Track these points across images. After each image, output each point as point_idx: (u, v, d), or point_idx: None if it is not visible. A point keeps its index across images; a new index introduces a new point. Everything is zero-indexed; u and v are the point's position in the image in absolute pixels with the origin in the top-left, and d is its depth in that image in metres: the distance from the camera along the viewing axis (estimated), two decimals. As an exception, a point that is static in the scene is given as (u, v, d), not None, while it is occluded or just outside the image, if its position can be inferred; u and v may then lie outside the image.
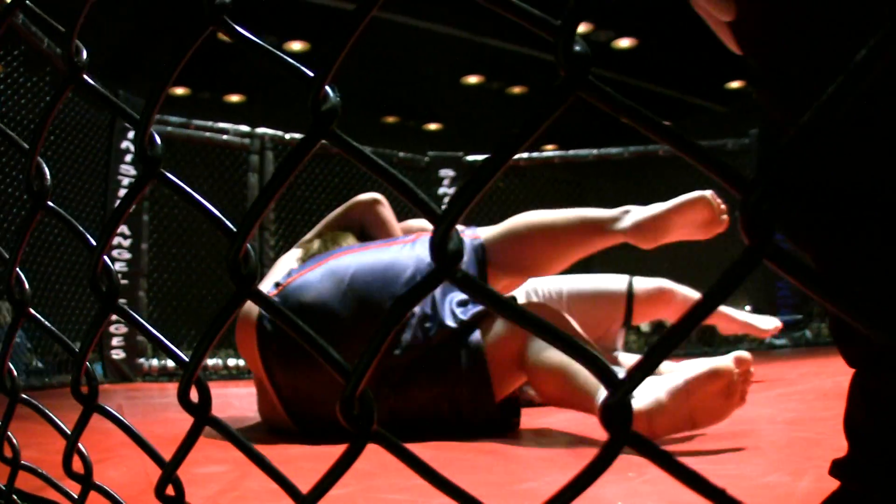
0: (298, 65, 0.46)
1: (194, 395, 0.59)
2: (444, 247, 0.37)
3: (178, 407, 0.60)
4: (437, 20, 8.98)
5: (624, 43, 9.99)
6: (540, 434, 1.90)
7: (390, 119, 12.24)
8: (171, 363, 6.09)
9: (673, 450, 1.49)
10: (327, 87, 0.44)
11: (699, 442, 1.57)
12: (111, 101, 0.63)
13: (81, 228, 0.72)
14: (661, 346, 0.36)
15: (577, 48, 0.37)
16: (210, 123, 6.47)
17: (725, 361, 1.51)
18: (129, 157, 5.99)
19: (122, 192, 5.91)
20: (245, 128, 6.44)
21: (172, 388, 4.66)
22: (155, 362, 5.77)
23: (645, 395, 1.51)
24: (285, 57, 0.46)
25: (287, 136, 6.43)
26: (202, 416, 0.58)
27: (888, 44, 0.33)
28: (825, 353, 5.03)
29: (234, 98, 10.98)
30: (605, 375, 0.38)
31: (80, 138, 5.29)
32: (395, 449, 0.44)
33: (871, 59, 0.33)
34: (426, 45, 9.68)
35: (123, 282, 5.87)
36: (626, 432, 0.38)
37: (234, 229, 0.49)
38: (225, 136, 6.41)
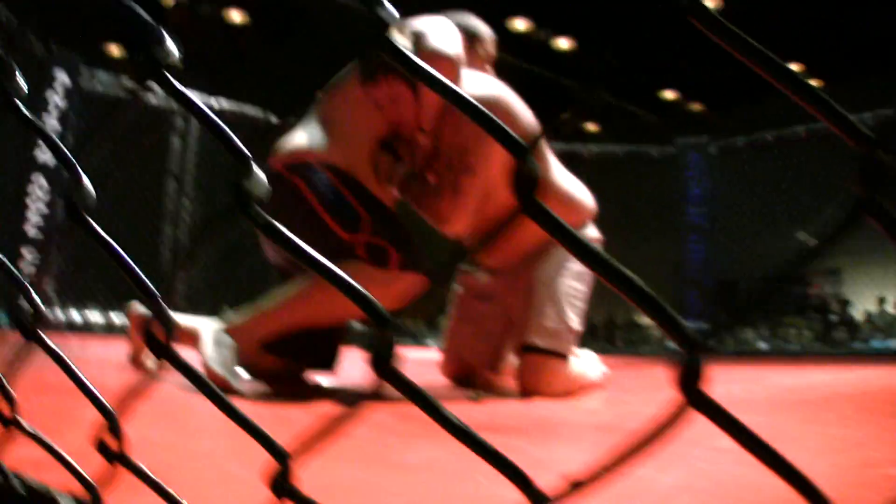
0: (138, 8, 0.48)
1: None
2: (240, 183, 0.40)
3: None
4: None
5: (563, 44, 10.06)
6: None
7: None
8: (76, 316, 6.03)
9: (543, 439, 1.54)
10: (163, 32, 0.46)
11: (576, 432, 1.62)
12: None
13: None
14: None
15: (381, 13, 0.40)
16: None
17: None
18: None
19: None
20: (172, 90, 6.38)
21: (75, 340, 4.61)
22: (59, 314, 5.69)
23: None
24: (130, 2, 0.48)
25: (213, 101, 6.39)
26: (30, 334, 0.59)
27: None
28: (725, 362, 5.18)
29: (168, 60, 10.76)
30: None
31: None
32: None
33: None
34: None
35: (39, 236, 5.76)
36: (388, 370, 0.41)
37: (71, 158, 0.51)
38: (154, 100, 6.34)
